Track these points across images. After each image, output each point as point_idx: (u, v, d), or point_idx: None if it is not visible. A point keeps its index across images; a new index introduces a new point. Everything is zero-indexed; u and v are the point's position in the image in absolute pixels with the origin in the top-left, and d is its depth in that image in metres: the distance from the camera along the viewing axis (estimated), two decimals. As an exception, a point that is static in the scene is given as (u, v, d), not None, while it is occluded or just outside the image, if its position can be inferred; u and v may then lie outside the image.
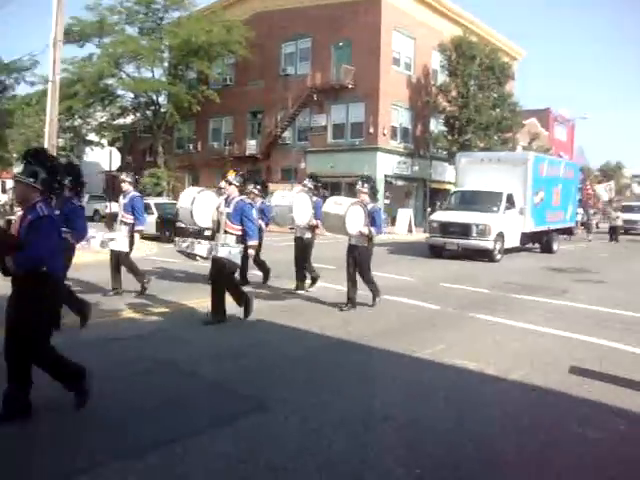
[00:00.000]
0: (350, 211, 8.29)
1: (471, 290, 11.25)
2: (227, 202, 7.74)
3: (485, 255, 16.77)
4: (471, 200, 17.99)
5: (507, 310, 9.15)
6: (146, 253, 16.45)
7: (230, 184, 7.79)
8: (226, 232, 7.67)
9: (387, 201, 31.28)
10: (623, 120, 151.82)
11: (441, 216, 18.07)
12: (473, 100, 31.10)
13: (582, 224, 30.27)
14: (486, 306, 9.46)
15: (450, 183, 30.22)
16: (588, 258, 19.41)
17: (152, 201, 23.00)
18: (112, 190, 40.02)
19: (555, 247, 20.78)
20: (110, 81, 36.71)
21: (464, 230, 16.81)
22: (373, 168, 31.56)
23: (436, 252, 17.64)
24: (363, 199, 8.76)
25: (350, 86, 31.86)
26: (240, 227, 7.65)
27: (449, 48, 32.14)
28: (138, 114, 40.77)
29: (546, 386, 5.52)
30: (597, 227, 34.08)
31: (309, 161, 33.91)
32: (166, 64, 37.77)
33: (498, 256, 16.84)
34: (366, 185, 9.03)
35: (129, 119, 42.75)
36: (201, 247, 7.56)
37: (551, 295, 10.78)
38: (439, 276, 13.13)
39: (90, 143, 41.97)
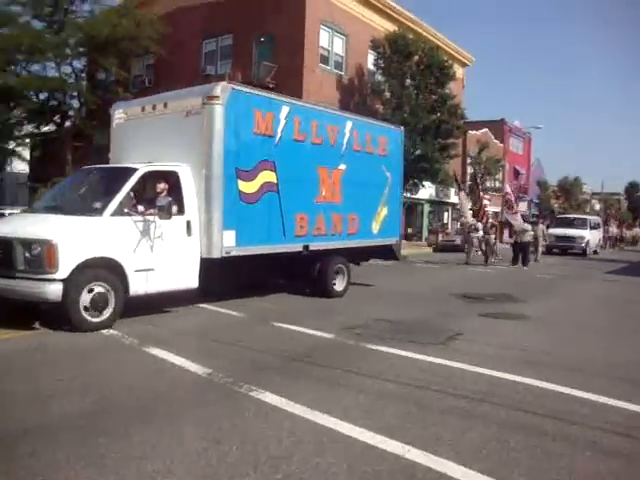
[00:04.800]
0: None
1: (308, 335, 7.18)
2: None
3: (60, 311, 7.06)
4: (76, 190, 9.06)
5: (327, 380, 5.16)
6: None
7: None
8: None
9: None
10: (581, 135, 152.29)
11: None
12: (408, 102, 27.48)
13: (486, 245, 21.81)
14: (297, 370, 5.50)
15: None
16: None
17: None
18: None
19: (339, 286, 11.10)
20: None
21: (4, 255, 7.08)
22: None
23: None
24: None
25: (271, 85, 28.02)
26: None
27: (383, 44, 28.65)
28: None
29: None
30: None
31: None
32: (76, 63, 33.68)
33: (95, 319, 7.10)
34: None
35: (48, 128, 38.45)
36: None
37: (428, 345, 6.81)
38: (300, 308, 9.19)
39: (12, 153, 37.52)
